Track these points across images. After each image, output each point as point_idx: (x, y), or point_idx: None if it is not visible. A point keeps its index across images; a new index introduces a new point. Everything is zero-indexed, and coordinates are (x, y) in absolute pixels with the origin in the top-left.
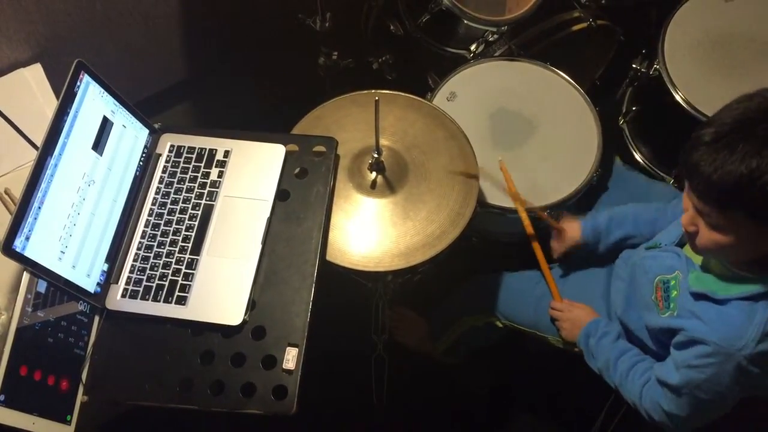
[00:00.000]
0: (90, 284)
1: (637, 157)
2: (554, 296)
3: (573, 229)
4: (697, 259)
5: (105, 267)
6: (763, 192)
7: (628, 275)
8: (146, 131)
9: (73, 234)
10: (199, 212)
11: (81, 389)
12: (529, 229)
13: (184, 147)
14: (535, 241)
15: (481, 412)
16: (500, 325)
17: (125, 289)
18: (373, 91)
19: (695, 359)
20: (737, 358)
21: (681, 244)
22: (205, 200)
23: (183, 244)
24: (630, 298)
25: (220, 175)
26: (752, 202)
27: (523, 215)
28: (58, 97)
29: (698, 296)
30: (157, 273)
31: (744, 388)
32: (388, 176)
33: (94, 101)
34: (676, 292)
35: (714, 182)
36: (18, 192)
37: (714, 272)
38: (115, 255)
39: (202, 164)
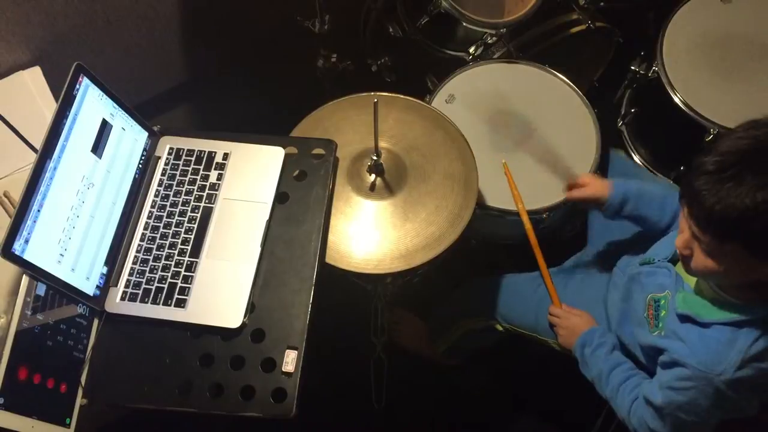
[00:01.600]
0: (89, 287)
1: (636, 159)
2: (554, 301)
3: (597, 186)
4: (688, 279)
5: (104, 270)
6: (764, 227)
7: (624, 288)
8: (145, 134)
9: (72, 237)
10: (198, 215)
11: (80, 392)
12: (531, 233)
13: (183, 150)
14: (536, 245)
15: (481, 415)
16: (500, 328)
17: (124, 292)
18: (372, 93)
19: (676, 381)
20: (716, 383)
21: (674, 261)
22: (204, 203)
23: (182, 246)
24: (625, 312)
25: (219, 177)
26: (752, 236)
27: (525, 218)
28: (57, 100)
29: (683, 318)
30: (157, 276)
31: (725, 411)
32: (387, 178)
33: (93, 104)
34: (664, 312)
35: (715, 213)
36: (17, 195)
37: (703, 295)
38: (115, 258)
39: (201, 167)
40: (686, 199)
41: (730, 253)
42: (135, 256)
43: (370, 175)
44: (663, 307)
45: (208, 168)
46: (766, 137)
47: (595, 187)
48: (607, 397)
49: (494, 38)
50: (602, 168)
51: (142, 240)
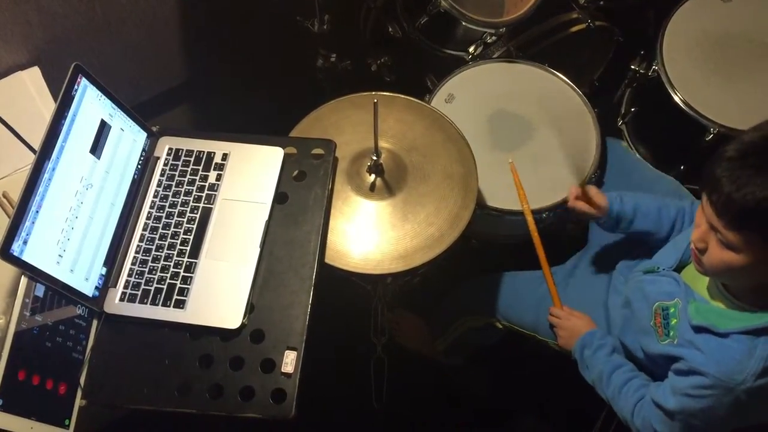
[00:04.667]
0: (88, 288)
1: (636, 158)
2: (554, 302)
3: (601, 204)
4: (699, 289)
5: (103, 271)
6: None
7: (625, 294)
8: (144, 134)
9: (71, 238)
10: (198, 215)
11: (79, 393)
12: (535, 233)
13: (183, 150)
14: (539, 245)
15: (481, 414)
16: (500, 326)
17: (123, 293)
18: (372, 93)
19: (693, 389)
20: (736, 392)
21: (678, 269)
22: (204, 203)
23: (181, 247)
24: (627, 318)
25: (219, 178)
26: None
27: (530, 218)
28: (56, 101)
29: (699, 329)
30: (156, 276)
31: (742, 419)
32: (386, 179)
33: (91, 105)
34: (675, 320)
35: (734, 200)
36: (16, 195)
37: (717, 304)
38: (114, 258)
39: (201, 167)
40: (706, 186)
41: (747, 244)
42: (134, 257)
43: (370, 175)
44: (673, 316)
45: (207, 168)
46: None
47: (599, 205)
48: (607, 398)
49: (494, 38)
50: (602, 167)
51: (141, 240)
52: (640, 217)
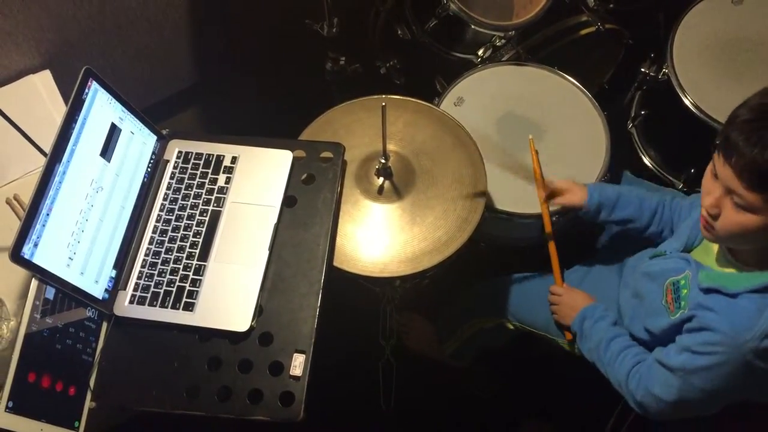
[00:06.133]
0: (98, 290)
1: (646, 161)
2: (556, 280)
3: (575, 192)
4: (709, 262)
5: (113, 273)
6: None
7: (634, 285)
8: (154, 137)
9: (81, 240)
10: (207, 218)
11: (89, 395)
12: (544, 206)
13: (192, 153)
14: (547, 219)
15: (489, 417)
16: (511, 326)
17: (133, 296)
18: (383, 96)
19: (700, 345)
20: (743, 351)
21: (687, 250)
22: (213, 206)
23: (190, 250)
24: (637, 309)
25: (228, 181)
26: None
27: (543, 207)
28: (67, 104)
29: (709, 290)
30: (165, 279)
31: (739, 387)
32: (395, 182)
33: (102, 108)
34: (686, 291)
35: (758, 162)
36: (27, 198)
37: (726, 271)
38: (123, 261)
39: (210, 170)
40: (722, 150)
41: (767, 203)
42: (144, 260)
43: (379, 178)
44: (684, 287)
45: (216, 171)
46: None
47: (573, 193)
48: (603, 365)
49: (503, 41)
50: (611, 170)
51: (150, 243)
52: (622, 204)
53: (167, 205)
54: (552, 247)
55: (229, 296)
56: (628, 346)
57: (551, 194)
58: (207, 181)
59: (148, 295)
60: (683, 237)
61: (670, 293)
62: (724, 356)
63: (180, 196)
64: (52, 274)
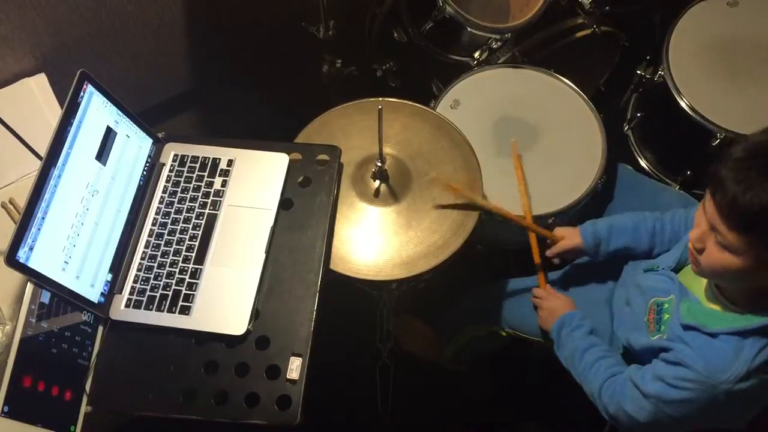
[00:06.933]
0: (94, 294)
1: (642, 163)
2: (540, 284)
3: (570, 236)
4: (693, 289)
5: (109, 277)
6: None
7: (626, 292)
8: (150, 141)
9: (76, 244)
10: (203, 222)
11: (85, 400)
12: (528, 215)
13: (188, 156)
14: (531, 225)
15: (486, 422)
16: (504, 333)
17: (129, 299)
18: (379, 99)
19: (675, 379)
20: (716, 391)
21: (677, 270)
22: (209, 210)
23: (187, 253)
24: (626, 316)
25: (224, 184)
26: None
27: (525, 200)
28: (62, 107)
29: (688, 327)
30: (161, 283)
31: (708, 419)
32: (391, 185)
33: (97, 111)
34: (668, 316)
35: (739, 202)
36: (22, 202)
37: (710, 304)
38: (119, 265)
39: (206, 173)
40: (710, 185)
41: (748, 247)
42: (139, 263)
43: (375, 181)
44: (666, 311)
45: (212, 174)
46: None
47: (570, 237)
48: (578, 375)
49: (499, 43)
50: (608, 173)
51: (146, 247)
52: (616, 233)
53: (163, 209)
54: (533, 240)
55: (225, 300)
56: (602, 357)
57: (551, 246)
58: (203, 184)
59: (144, 299)
60: (677, 253)
61: (653, 313)
62: (696, 393)
63: (176, 200)
64: (48, 278)
